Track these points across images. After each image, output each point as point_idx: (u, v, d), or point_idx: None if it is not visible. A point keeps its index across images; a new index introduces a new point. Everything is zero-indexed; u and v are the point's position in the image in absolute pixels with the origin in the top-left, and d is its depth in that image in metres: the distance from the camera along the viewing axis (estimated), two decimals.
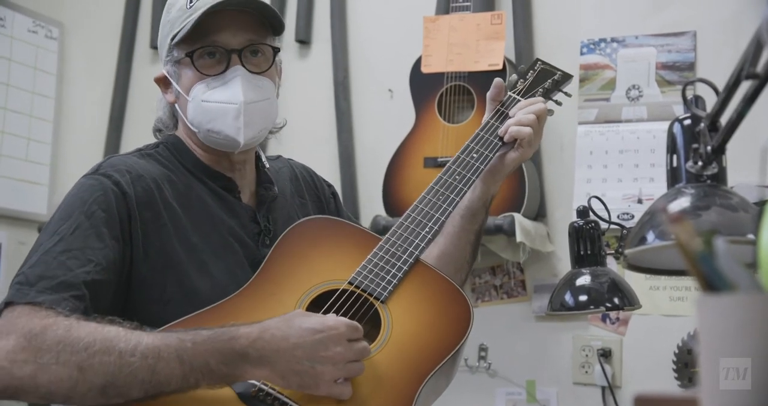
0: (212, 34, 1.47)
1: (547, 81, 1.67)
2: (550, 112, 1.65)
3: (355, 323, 1.32)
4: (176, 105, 1.55)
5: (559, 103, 1.69)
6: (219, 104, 1.48)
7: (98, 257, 1.34)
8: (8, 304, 1.29)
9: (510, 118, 1.59)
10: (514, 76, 1.69)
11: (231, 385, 1.29)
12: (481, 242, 1.76)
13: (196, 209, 1.48)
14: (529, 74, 1.68)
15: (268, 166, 1.63)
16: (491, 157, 1.57)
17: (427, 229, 1.51)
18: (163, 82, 1.56)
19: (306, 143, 2.64)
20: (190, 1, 1.49)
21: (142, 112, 2.88)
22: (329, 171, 2.63)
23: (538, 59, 1.72)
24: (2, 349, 1.23)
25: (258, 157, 1.62)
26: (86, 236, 1.35)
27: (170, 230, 1.43)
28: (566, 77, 1.69)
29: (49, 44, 3.08)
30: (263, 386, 1.31)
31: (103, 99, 3.04)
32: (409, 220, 1.52)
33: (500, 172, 1.60)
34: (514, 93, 1.65)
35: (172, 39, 1.50)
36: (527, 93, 1.65)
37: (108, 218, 1.37)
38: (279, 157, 1.76)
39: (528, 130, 1.55)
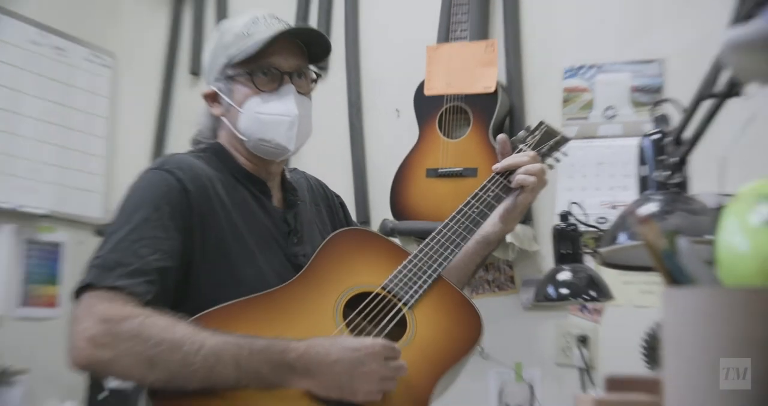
0: (268, 58, 1.50)
1: (551, 140, 1.72)
2: (551, 166, 1.71)
3: (392, 343, 1.31)
4: (223, 117, 1.55)
5: (558, 160, 1.74)
6: (274, 116, 1.50)
7: (164, 246, 1.34)
8: (89, 285, 1.28)
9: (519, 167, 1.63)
10: (523, 133, 1.73)
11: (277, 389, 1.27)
12: None
13: (241, 206, 1.49)
14: (537, 132, 1.72)
15: (289, 176, 1.63)
16: (503, 197, 1.61)
17: (449, 250, 1.54)
18: (211, 98, 1.56)
19: (324, 156, 2.64)
20: (247, 29, 1.52)
21: (182, 129, 2.88)
22: (344, 180, 2.63)
23: (542, 121, 1.76)
24: (86, 331, 1.23)
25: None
26: (155, 227, 1.34)
27: (223, 222, 1.43)
28: (565, 139, 1.75)
29: (102, 71, 3.09)
30: None
31: (148, 118, 3.05)
32: (435, 241, 1.55)
33: (515, 210, 1.63)
34: (525, 146, 1.69)
35: (229, 60, 1.51)
36: (535, 148, 1.70)
37: (172, 212, 1.37)
38: (295, 169, 1.76)
39: (533, 179, 1.59)
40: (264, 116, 1.50)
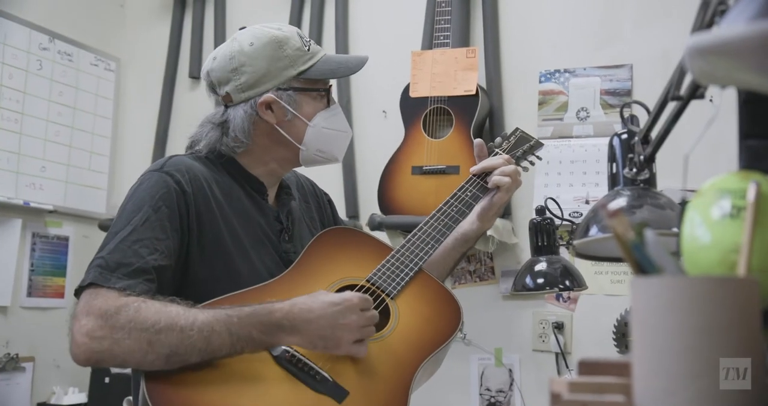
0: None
1: (525, 145, 1.72)
2: (526, 169, 1.70)
3: (366, 296, 1.35)
4: (276, 125, 1.49)
5: (532, 163, 1.74)
6: (337, 132, 1.54)
7: (162, 246, 1.33)
8: (91, 284, 1.27)
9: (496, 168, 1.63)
10: (499, 139, 1.72)
11: (269, 350, 1.31)
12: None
13: (236, 206, 1.47)
14: (512, 138, 1.72)
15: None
16: (480, 196, 1.61)
17: (429, 245, 1.54)
18: (266, 105, 1.49)
19: None
20: (305, 45, 1.52)
21: (182, 131, 2.86)
22: (335, 177, 2.62)
23: (517, 128, 1.75)
24: (84, 327, 1.22)
25: None
26: (153, 228, 1.33)
27: (219, 221, 1.42)
28: (539, 144, 1.74)
29: (107, 75, 3.08)
30: (294, 353, 1.32)
31: (150, 120, 3.03)
32: (416, 237, 1.55)
33: (491, 209, 1.62)
34: (500, 150, 1.69)
35: (299, 73, 1.49)
36: (510, 152, 1.69)
37: (170, 213, 1.36)
38: None
39: (508, 180, 1.59)
40: (329, 131, 1.52)
